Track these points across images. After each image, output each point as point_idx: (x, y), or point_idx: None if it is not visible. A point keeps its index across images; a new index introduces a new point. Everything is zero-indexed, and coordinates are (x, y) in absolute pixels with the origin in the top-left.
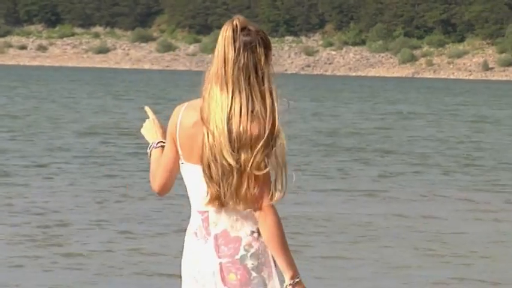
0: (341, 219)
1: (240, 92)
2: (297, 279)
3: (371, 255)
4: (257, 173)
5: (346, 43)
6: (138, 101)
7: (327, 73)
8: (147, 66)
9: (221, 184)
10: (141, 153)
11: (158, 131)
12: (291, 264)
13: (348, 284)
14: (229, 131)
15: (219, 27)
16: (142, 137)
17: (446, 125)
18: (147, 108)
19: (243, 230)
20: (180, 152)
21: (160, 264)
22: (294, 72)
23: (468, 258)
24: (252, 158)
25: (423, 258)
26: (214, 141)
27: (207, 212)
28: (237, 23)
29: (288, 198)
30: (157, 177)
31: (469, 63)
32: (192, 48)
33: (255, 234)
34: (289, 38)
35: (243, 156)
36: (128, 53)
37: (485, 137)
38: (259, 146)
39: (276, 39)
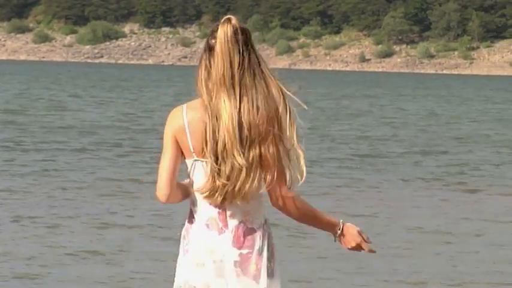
0: None
1: (246, 91)
2: (339, 231)
3: None
4: (272, 163)
5: None
6: None
7: None
8: (23, 57)
9: (228, 181)
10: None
11: None
12: (328, 224)
13: None
14: (240, 130)
15: (96, 18)
16: None
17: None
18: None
19: (256, 221)
20: (191, 149)
21: None
22: (171, 63)
23: None
24: (264, 152)
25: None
26: (224, 140)
27: (224, 205)
28: (236, 25)
29: None
30: (162, 186)
31: (346, 54)
32: (68, 39)
33: (265, 226)
34: (166, 29)
35: (251, 153)
36: (4, 44)
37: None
38: (268, 140)
39: (153, 30)
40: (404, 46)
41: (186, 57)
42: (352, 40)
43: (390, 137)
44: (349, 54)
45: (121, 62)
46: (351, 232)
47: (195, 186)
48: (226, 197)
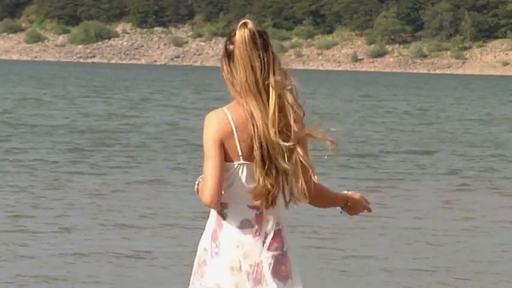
0: None
1: (272, 95)
2: (349, 203)
3: None
4: (310, 161)
5: (215, 34)
6: None
7: (196, 64)
8: (15, 57)
9: (277, 183)
10: None
11: None
12: (341, 200)
13: None
14: (279, 134)
15: (88, 18)
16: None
17: None
18: None
19: (280, 222)
20: (239, 152)
21: None
22: (163, 63)
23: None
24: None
25: None
26: (266, 144)
27: (262, 208)
28: (253, 29)
29: None
30: (211, 189)
31: (338, 54)
32: (61, 39)
33: (284, 226)
34: (159, 29)
35: (294, 156)
36: None
37: None
38: (304, 140)
39: (145, 30)
40: (396, 46)
41: (178, 57)
42: (345, 40)
43: (383, 136)
44: (341, 54)
45: (113, 62)
46: (357, 199)
47: (246, 188)
48: (276, 200)
